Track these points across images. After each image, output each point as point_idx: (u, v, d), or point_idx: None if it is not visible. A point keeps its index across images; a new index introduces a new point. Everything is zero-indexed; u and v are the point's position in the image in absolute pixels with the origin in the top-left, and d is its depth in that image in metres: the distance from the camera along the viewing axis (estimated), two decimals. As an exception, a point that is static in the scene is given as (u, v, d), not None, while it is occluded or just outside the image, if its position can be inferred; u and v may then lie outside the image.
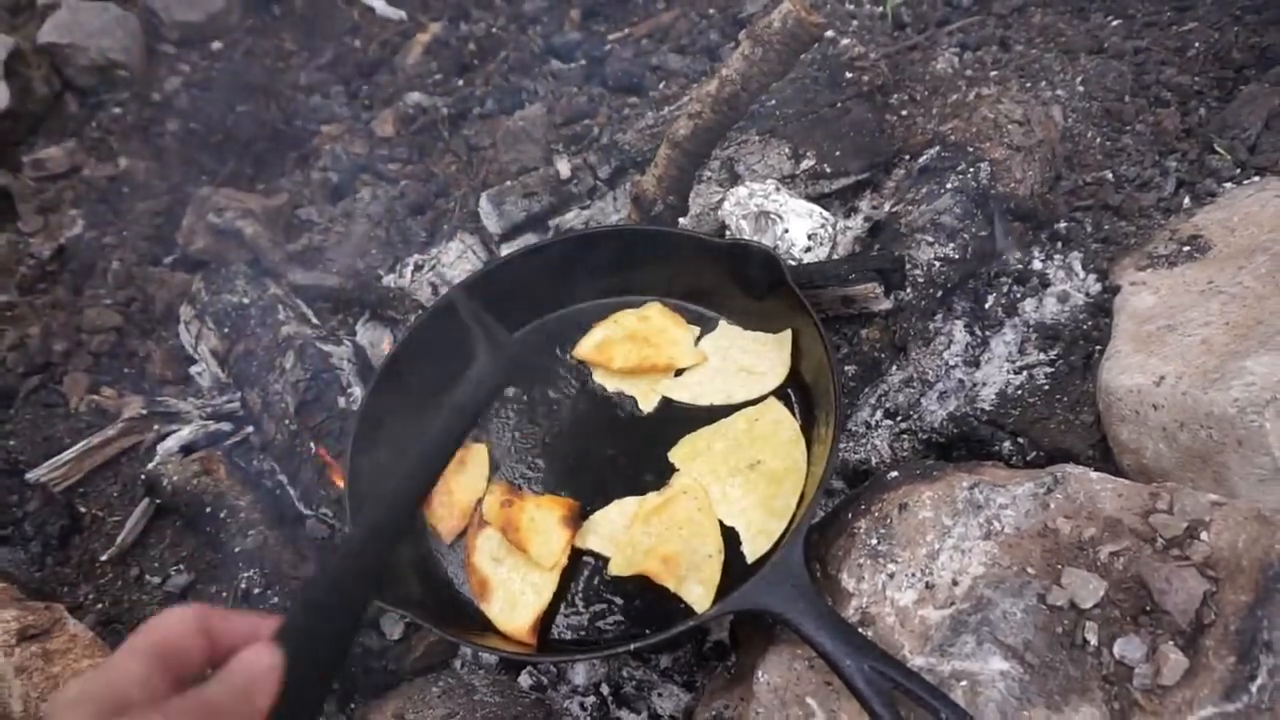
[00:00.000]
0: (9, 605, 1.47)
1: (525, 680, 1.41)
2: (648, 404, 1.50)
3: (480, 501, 1.42)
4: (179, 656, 0.65)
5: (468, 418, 0.96)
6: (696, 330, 1.56)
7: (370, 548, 0.77)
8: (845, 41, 2.00)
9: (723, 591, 1.26)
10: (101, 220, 2.34)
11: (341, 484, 1.52)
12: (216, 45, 2.76)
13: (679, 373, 1.52)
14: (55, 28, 2.59)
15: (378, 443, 1.44)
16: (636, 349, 1.52)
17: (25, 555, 1.76)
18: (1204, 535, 1.05)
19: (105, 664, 0.63)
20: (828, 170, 1.74)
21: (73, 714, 0.58)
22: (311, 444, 1.63)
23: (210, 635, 0.67)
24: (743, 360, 1.50)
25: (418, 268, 1.96)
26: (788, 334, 1.47)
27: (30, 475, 1.79)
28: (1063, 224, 1.70)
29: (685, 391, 1.49)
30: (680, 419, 1.46)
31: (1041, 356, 1.56)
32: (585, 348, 1.56)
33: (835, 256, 1.63)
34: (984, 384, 1.55)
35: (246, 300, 1.87)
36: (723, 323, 1.56)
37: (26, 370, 2.03)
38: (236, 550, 1.59)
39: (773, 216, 1.61)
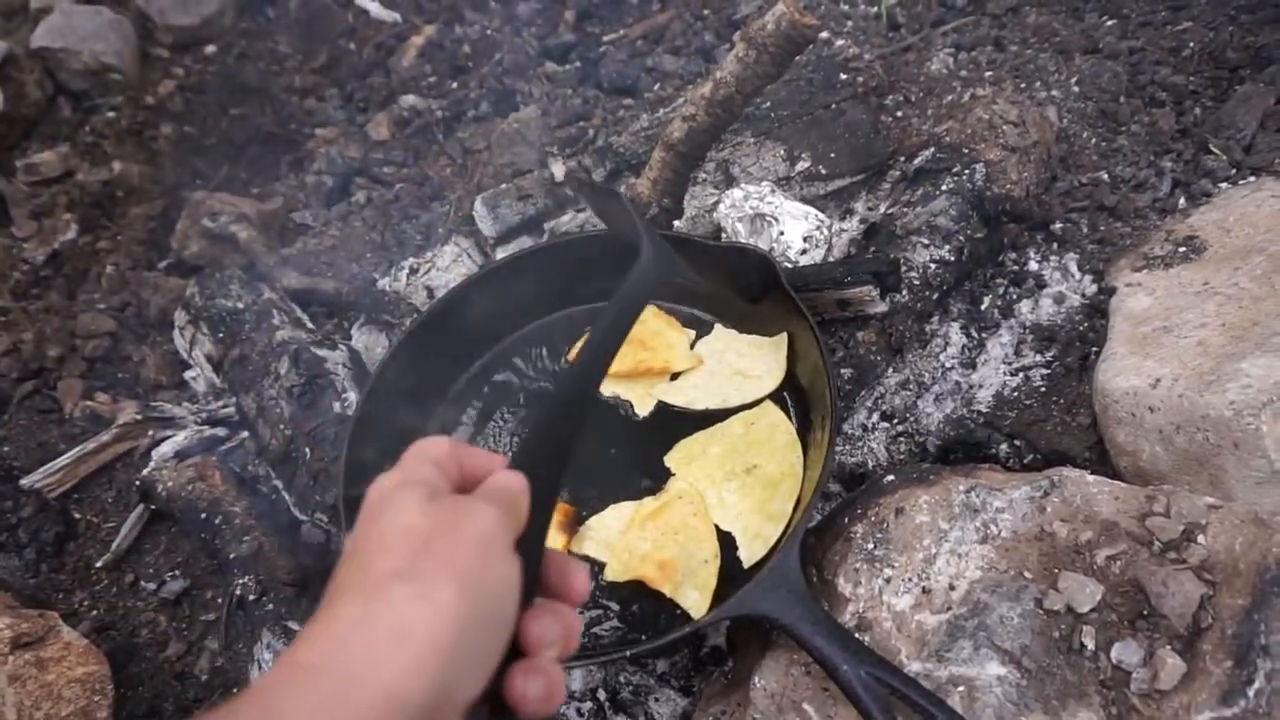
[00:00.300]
0: (2, 613, 1.46)
1: (522, 686, 1.41)
2: (643, 408, 1.50)
3: (476, 507, 1.41)
4: (445, 472, 0.69)
5: (639, 304, 0.99)
6: (692, 334, 1.56)
7: (578, 389, 0.83)
8: (840, 43, 2.00)
9: (719, 597, 1.26)
10: (95, 225, 2.33)
11: None
12: (210, 49, 2.76)
13: (674, 377, 1.52)
14: (48, 31, 2.58)
15: (373, 447, 1.43)
16: (631, 352, 1.51)
17: (19, 562, 1.76)
18: (1201, 538, 1.05)
19: (405, 468, 0.67)
20: (823, 172, 1.74)
21: (405, 490, 0.63)
22: (307, 450, 1.62)
23: (460, 462, 0.71)
24: (738, 364, 1.49)
25: (413, 271, 1.95)
26: (783, 337, 1.47)
27: (24, 481, 1.79)
28: (1058, 225, 1.70)
29: (680, 396, 1.49)
30: (676, 423, 1.46)
31: (1038, 358, 1.55)
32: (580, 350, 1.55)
33: (831, 259, 1.63)
34: (980, 386, 1.55)
35: (241, 305, 1.87)
36: (718, 326, 1.56)
37: (20, 376, 2.03)
38: (232, 556, 1.58)
39: (768, 219, 1.60)
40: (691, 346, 1.54)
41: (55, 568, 1.75)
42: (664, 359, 1.51)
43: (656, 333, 1.54)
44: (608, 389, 1.52)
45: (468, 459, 0.72)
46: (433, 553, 0.59)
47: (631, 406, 1.50)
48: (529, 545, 0.68)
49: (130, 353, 2.07)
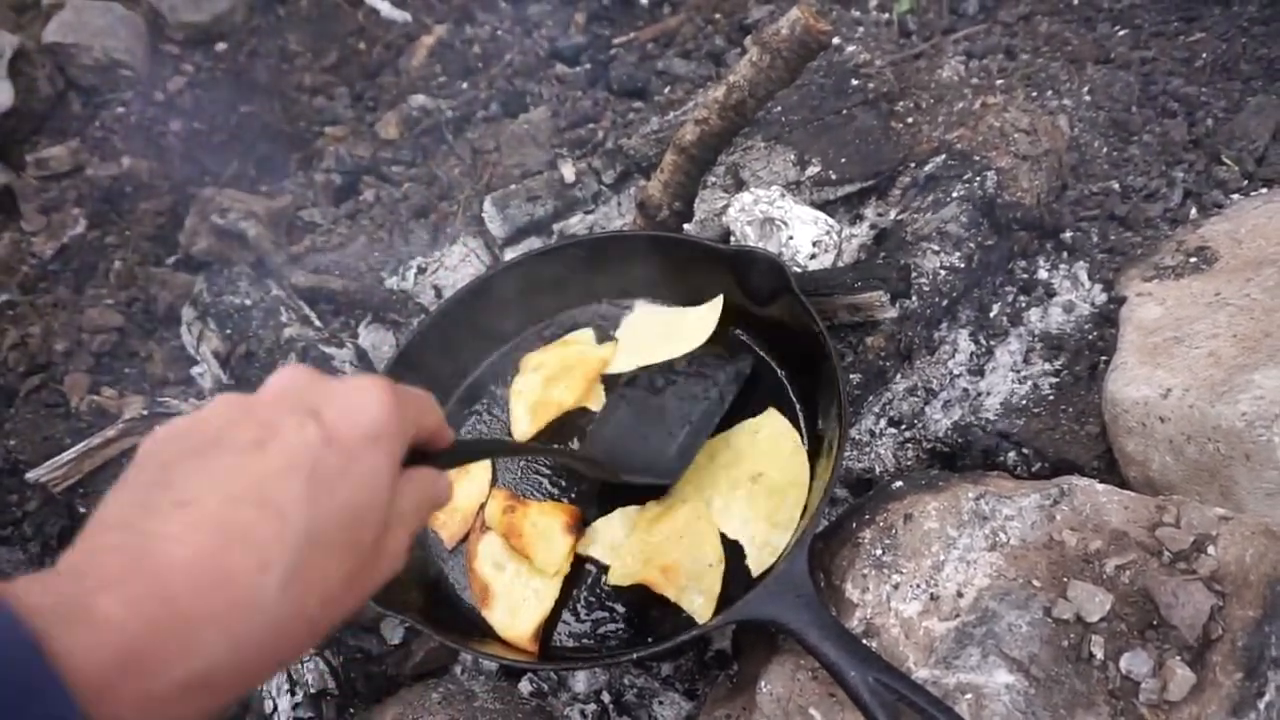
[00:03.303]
0: (7, 607, 1.46)
1: (526, 687, 1.41)
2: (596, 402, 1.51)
3: (483, 507, 1.41)
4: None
5: None
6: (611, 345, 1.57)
7: None
8: (851, 49, 2.00)
9: (723, 602, 1.25)
10: (104, 220, 2.33)
11: None
12: (221, 46, 2.76)
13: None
14: (60, 27, 2.58)
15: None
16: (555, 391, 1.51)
17: (24, 556, 1.76)
18: (1211, 549, 1.05)
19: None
20: (833, 177, 1.74)
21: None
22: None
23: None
24: (660, 330, 1.51)
25: (421, 270, 1.95)
26: (718, 299, 1.48)
27: (30, 475, 1.78)
28: (1069, 234, 1.70)
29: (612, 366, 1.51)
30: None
31: (1046, 367, 1.55)
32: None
33: (840, 264, 1.63)
34: (988, 393, 1.54)
35: (249, 302, 1.87)
36: (639, 303, 1.57)
37: (27, 370, 2.03)
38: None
39: (778, 223, 1.60)
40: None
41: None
42: (581, 377, 1.51)
43: (579, 355, 1.54)
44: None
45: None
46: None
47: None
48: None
49: (137, 348, 2.06)
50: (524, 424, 1.49)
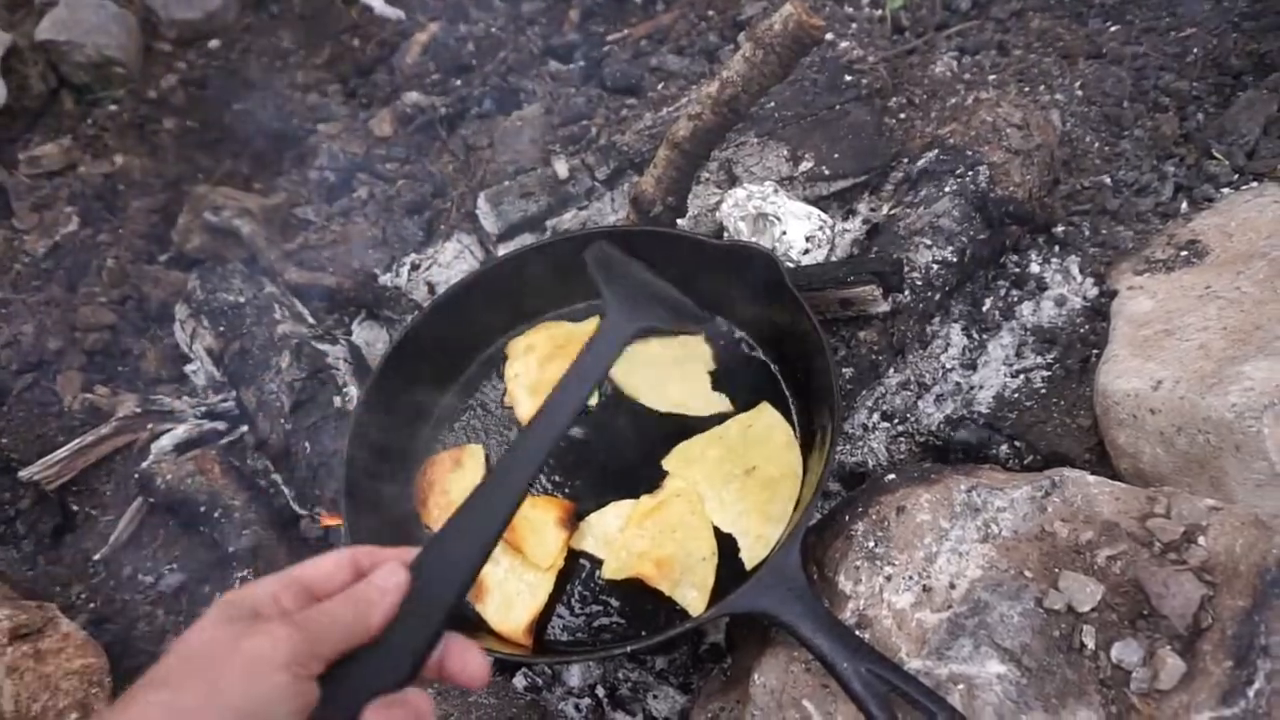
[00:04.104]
0: (1, 604, 1.46)
1: (520, 681, 1.41)
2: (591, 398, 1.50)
3: (476, 502, 1.41)
4: (323, 585, 0.73)
5: (599, 375, 1.01)
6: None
7: (498, 496, 0.86)
8: (844, 44, 2.00)
9: (717, 595, 1.26)
10: (97, 218, 2.33)
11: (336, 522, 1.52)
12: (214, 43, 2.75)
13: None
14: (52, 24, 2.58)
15: (374, 444, 1.43)
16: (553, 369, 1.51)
17: (17, 554, 1.76)
18: (1201, 540, 1.05)
19: (247, 585, 0.72)
20: (826, 173, 1.74)
21: (211, 611, 0.68)
22: (307, 444, 1.62)
23: (358, 570, 0.75)
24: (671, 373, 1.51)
25: (414, 267, 1.95)
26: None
27: (23, 473, 1.78)
28: (1060, 228, 1.70)
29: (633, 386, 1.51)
30: (675, 423, 1.45)
31: (1038, 360, 1.56)
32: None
33: (833, 259, 1.63)
34: (981, 387, 1.55)
35: (242, 299, 1.87)
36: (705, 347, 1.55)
37: (20, 368, 2.02)
38: (231, 550, 1.58)
39: (771, 218, 1.60)
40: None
41: (53, 560, 1.75)
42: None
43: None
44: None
45: (367, 561, 0.76)
46: (194, 667, 0.64)
47: (633, 405, 1.50)
48: (404, 634, 0.72)
49: (130, 346, 2.06)
50: (526, 406, 1.49)
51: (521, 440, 0.92)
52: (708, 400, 1.46)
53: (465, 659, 0.76)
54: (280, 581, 0.72)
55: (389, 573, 0.74)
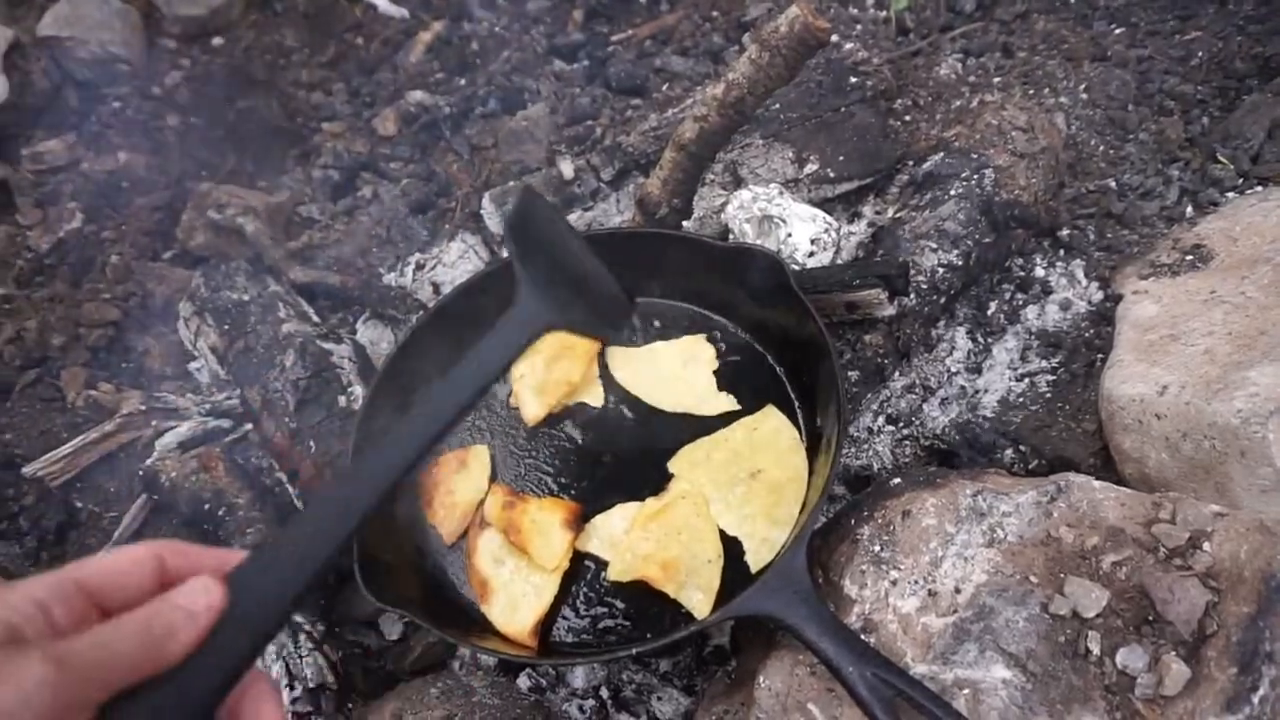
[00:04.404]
0: (5, 602, 1.46)
1: (524, 682, 1.41)
2: (594, 398, 1.52)
3: (482, 503, 1.42)
4: (114, 589, 0.58)
5: (493, 372, 0.86)
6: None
7: (346, 505, 0.71)
8: (849, 46, 2.01)
9: (722, 598, 1.26)
10: (100, 214, 2.33)
11: None
12: (218, 40, 2.75)
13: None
14: (56, 20, 2.57)
15: (378, 442, 1.43)
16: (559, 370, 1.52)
17: (20, 550, 1.76)
18: (1206, 546, 1.06)
19: (7, 585, 0.56)
20: (831, 175, 1.74)
21: None
22: (312, 443, 1.62)
23: (165, 570, 0.61)
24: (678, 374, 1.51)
25: (419, 267, 1.95)
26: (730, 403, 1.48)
27: (27, 470, 1.78)
28: (1066, 231, 1.70)
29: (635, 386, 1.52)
30: (681, 425, 1.46)
31: (1043, 364, 1.56)
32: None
33: (839, 261, 1.63)
34: (986, 391, 1.55)
35: (246, 297, 1.86)
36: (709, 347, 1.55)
37: (24, 364, 2.02)
38: (235, 548, 1.58)
39: (776, 220, 1.60)
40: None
41: (56, 556, 1.75)
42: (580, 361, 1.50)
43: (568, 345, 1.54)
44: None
45: (180, 563, 0.62)
46: None
47: (639, 406, 1.50)
48: (204, 668, 0.58)
49: (134, 343, 2.06)
50: (533, 407, 1.50)
51: (388, 442, 0.77)
52: (715, 400, 1.47)
53: (261, 708, 0.62)
54: (52, 586, 0.56)
55: (199, 590, 0.59)
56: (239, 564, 0.64)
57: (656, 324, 1.59)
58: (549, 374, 1.50)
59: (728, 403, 1.46)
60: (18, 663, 0.50)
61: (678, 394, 1.49)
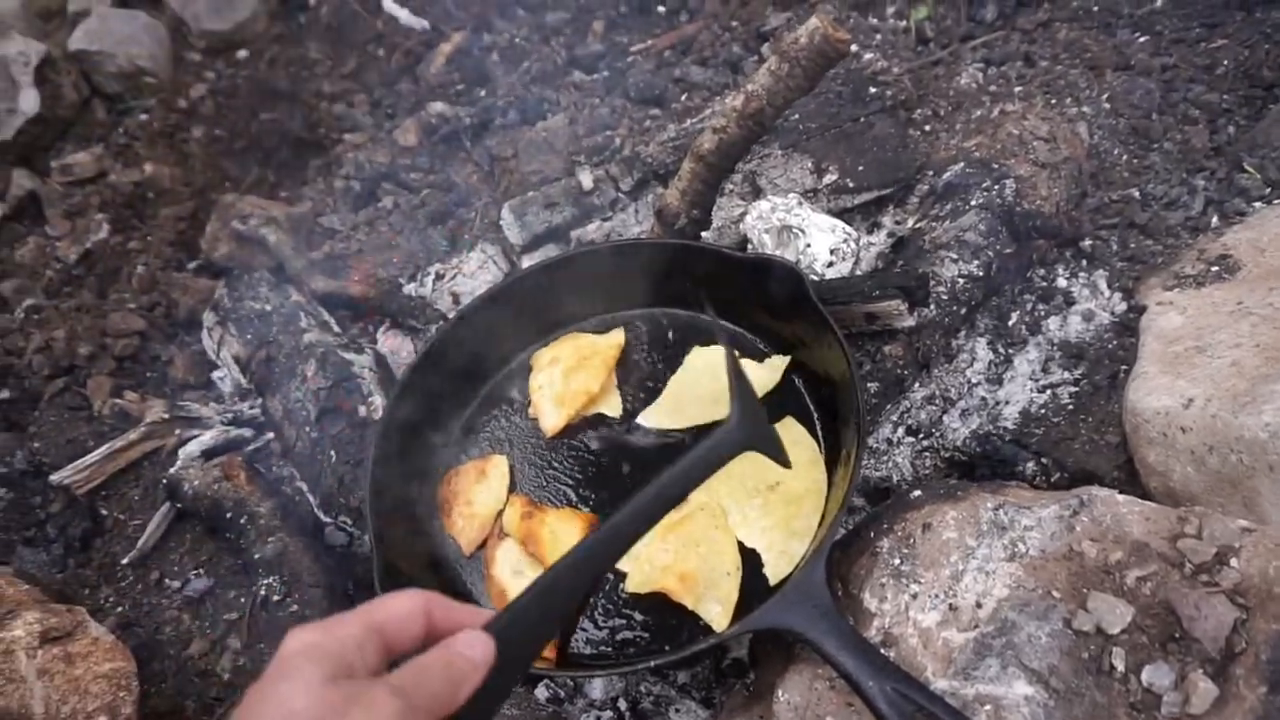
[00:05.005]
0: (31, 607, 1.48)
1: (542, 693, 1.41)
2: (613, 409, 1.53)
3: (501, 514, 1.42)
4: (397, 634, 0.68)
5: (700, 479, 0.99)
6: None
7: (581, 570, 0.83)
8: (868, 56, 2.00)
9: (741, 610, 1.25)
10: (127, 225, 2.37)
11: None
12: (242, 53, 2.79)
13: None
14: (85, 35, 2.63)
15: (399, 453, 1.44)
16: (577, 380, 1.52)
17: (47, 557, 1.78)
18: (1234, 561, 1.04)
19: (332, 622, 0.66)
20: (850, 185, 1.74)
21: (307, 661, 0.61)
22: (332, 452, 1.64)
23: (430, 620, 0.71)
24: (711, 387, 1.49)
25: (439, 277, 1.96)
26: (782, 360, 1.47)
27: (54, 477, 1.81)
28: (1088, 242, 1.69)
29: (649, 418, 1.51)
30: (700, 437, 1.45)
31: (1065, 375, 1.54)
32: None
33: (858, 272, 1.63)
34: (1007, 402, 1.54)
35: (269, 307, 1.89)
36: (695, 349, 1.56)
37: (51, 373, 2.06)
38: (256, 557, 1.59)
39: (795, 231, 1.60)
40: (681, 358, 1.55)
41: (82, 563, 1.77)
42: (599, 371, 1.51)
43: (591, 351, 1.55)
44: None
45: (441, 614, 0.71)
46: None
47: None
48: (475, 709, 0.67)
49: (159, 352, 2.09)
50: (553, 418, 1.50)
51: (611, 524, 0.89)
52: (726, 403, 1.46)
53: None
54: (362, 628, 0.66)
55: (478, 642, 0.69)
56: (495, 619, 0.73)
57: (669, 332, 1.59)
58: (567, 385, 1.51)
59: (776, 365, 1.46)
60: (372, 694, 0.60)
61: (706, 408, 1.48)
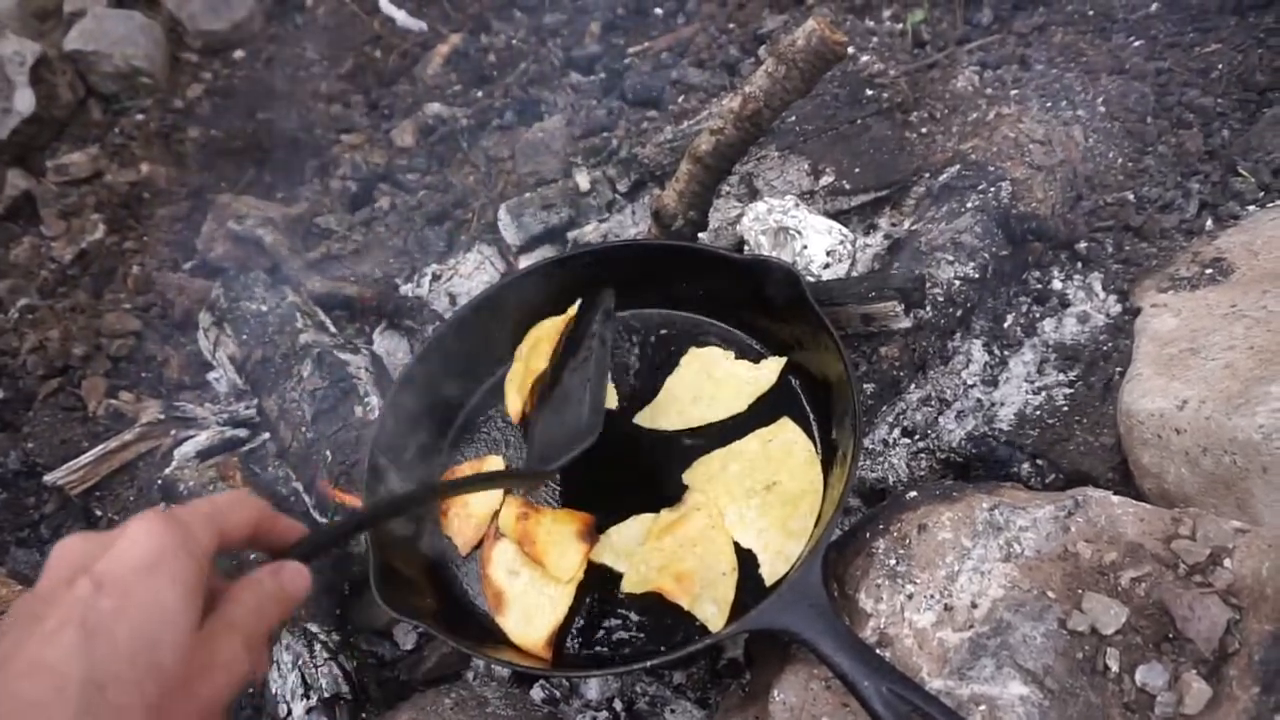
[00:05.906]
0: (25, 608, 1.47)
1: (538, 694, 1.41)
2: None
3: (497, 514, 1.42)
4: (230, 535, 0.78)
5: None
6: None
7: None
8: (865, 58, 2.01)
9: (737, 611, 1.26)
10: (122, 225, 2.36)
11: (354, 502, 1.53)
12: (239, 54, 2.79)
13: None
14: (81, 35, 2.62)
15: (395, 453, 1.44)
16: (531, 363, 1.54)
17: (41, 558, 1.77)
18: (1227, 562, 1.04)
19: (187, 523, 0.72)
20: (847, 187, 1.74)
21: (176, 559, 0.68)
22: (328, 453, 1.63)
23: (258, 527, 0.82)
24: (707, 388, 1.49)
25: (435, 278, 1.97)
26: (778, 361, 1.47)
27: (48, 478, 1.81)
28: (1083, 244, 1.69)
29: (644, 419, 1.50)
30: (696, 437, 1.45)
31: (1060, 377, 1.55)
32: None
33: (854, 274, 1.63)
34: (1002, 404, 1.54)
35: (265, 307, 1.88)
36: (691, 349, 1.55)
37: (46, 373, 2.05)
38: (251, 557, 1.59)
39: (791, 232, 1.61)
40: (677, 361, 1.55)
41: (76, 564, 1.77)
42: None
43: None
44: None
45: (268, 524, 0.83)
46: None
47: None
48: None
49: (154, 352, 2.09)
50: (516, 404, 1.52)
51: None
52: (754, 380, 1.47)
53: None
54: (211, 538, 0.74)
55: (300, 577, 0.81)
56: (301, 542, 0.86)
57: (664, 332, 1.60)
58: (525, 366, 1.52)
59: (772, 366, 1.47)
60: (143, 514, 0.70)
61: (702, 409, 1.48)
